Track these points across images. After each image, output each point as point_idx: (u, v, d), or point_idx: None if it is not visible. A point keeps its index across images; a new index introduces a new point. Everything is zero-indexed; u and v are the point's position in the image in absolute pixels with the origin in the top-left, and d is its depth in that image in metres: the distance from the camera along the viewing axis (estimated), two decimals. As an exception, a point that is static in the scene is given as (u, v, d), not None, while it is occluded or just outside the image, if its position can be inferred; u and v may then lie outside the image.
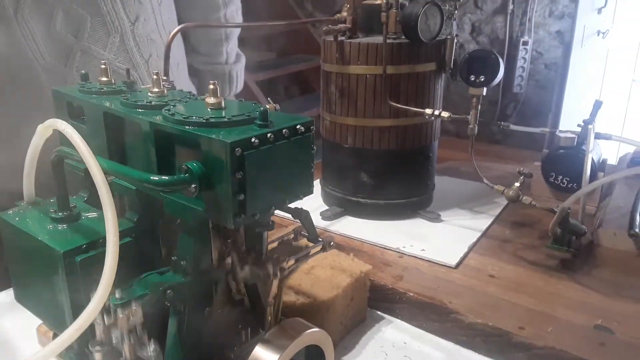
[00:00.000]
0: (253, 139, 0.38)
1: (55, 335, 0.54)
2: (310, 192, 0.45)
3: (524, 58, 2.54)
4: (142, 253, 0.46)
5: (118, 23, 0.76)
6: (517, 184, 0.68)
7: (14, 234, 0.47)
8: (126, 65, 0.80)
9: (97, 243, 0.44)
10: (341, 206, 0.88)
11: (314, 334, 0.46)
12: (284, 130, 0.41)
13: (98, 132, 0.48)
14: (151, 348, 0.38)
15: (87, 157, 0.38)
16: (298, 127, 0.42)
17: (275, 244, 0.49)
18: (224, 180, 0.38)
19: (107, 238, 0.38)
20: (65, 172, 0.46)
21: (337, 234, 0.82)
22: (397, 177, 0.84)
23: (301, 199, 0.44)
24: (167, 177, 0.39)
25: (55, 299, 0.44)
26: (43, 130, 0.45)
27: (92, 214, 0.48)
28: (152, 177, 0.39)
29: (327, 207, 0.89)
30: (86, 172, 0.52)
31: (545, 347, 0.56)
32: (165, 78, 0.61)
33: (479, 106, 0.71)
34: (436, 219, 0.85)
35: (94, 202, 0.51)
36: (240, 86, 1.18)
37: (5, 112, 0.74)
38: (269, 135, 0.40)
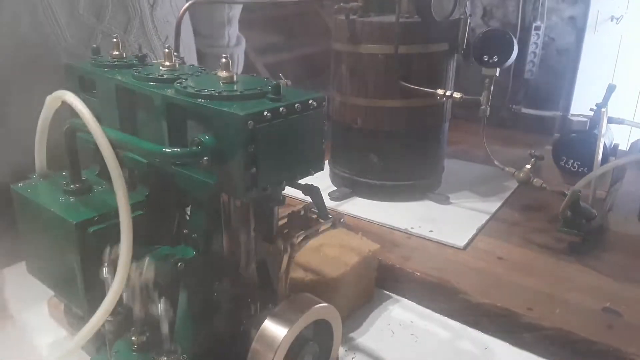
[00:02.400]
0: (265, 112, 0.38)
1: (66, 307, 0.55)
2: (321, 168, 0.45)
3: (535, 43, 2.50)
4: (153, 227, 0.46)
5: (138, 6, 0.77)
6: (528, 166, 0.68)
7: (26, 206, 0.47)
8: (145, 48, 0.80)
9: (110, 215, 0.44)
10: (350, 187, 0.87)
11: (322, 309, 0.46)
12: (296, 105, 0.40)
13: (110, 105, 0.48)
14: (162, 305, 0.38)
15: (93, 127, 0.38)
16: (310, 102, 0.42)
17: (285, 219, 0.50)
18: (236, 153, 0.38)
19: (119, 212, 0.38)
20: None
21: (345, 214, 0.82)
22: (407, 159, 0.83)
23: (312, 174, 0.44)
24: (179, 150, 0.39)
25: (67, 270, 0.44)
26: (51, 102, 0.45)
27: (104, 187, 0.48)
28: (164, 149, 0.39)
29: (335, 188, 0.89)
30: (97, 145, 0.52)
31: (553, 328, 0.56)
32: (176, 54, 0.60)
33: (492, 87, 0.70)
34: (445, 201, 0.84)
35: (106, 175, 0.51)
36: (240, 69, 1.19)
37: (28, 94, 0.75)
38: (281, 109, 0.39)
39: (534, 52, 2.53)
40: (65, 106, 0.46)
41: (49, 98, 0.44)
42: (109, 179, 0.50)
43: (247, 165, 0.38)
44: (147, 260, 0.38)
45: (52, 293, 0.61)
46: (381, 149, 0.83)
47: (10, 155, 0.69)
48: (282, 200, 0.45)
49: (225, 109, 0.38)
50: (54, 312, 0.61)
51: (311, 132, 0.43)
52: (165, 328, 0.38)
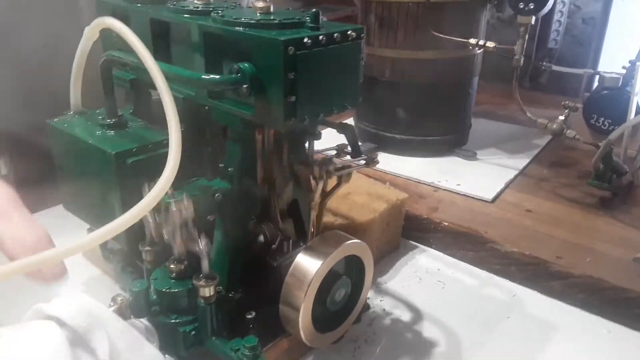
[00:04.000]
0: (305, 39, 0.38)
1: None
2: (356, 104, 0.45)
3: (561, 12, 2.42)
4: (189, 161, 0.47)
5: None
6: (561, 117, 0.67)
7: (63, 140, 0.47)
8: None
9: (147, 148, 0.44)
10: (375, 142, 0.87)
11: (355, 245, 0.46)
12: (335, 35, 0.40)
13: (144, 39, 0.47)
14: (202, 242, 0.38)
15: (141, 50, 0.37)
16: (349, 32, 0.41)
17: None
18: (276, 80, 0.37)
19: (169, 126, 0.36)
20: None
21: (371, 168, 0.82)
22: (434, 113, 0.82)
23: (348, 109, 0.44)
24: (218, 76, 0.39)
25: (105, 202, 0.45)
26: (90, 33, 0.44)
27: (139, 123, 0.49)
28: (203, 76, 0.39)
29: (360, 143, 0.88)
30: (132, 83, 0.52)
31: (582, 276, 0.56)
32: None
33: (526, 36, 0.68)
34: (472, 157, 0.84)
35: (140, 114, 0.52)
36: None
37: (45, 38, 0.75)
38: (320, 37, 0.39)
39: (559, 21, 2.45)
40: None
41: (87, 28, 0.44)
42: (143, 117, 0.51)
43: (287, 93, 0.38)
44: (185, 197, 0.38)
45: (85, 234, 0.62)
46: (408, 103, 0.82)
47: (29, 97, 0.69)
48: (318, 135, 0.45)
49: (265, 35, 0.37)
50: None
51: (349, 65, 0.42)
52: (205, 265, 0.39)
